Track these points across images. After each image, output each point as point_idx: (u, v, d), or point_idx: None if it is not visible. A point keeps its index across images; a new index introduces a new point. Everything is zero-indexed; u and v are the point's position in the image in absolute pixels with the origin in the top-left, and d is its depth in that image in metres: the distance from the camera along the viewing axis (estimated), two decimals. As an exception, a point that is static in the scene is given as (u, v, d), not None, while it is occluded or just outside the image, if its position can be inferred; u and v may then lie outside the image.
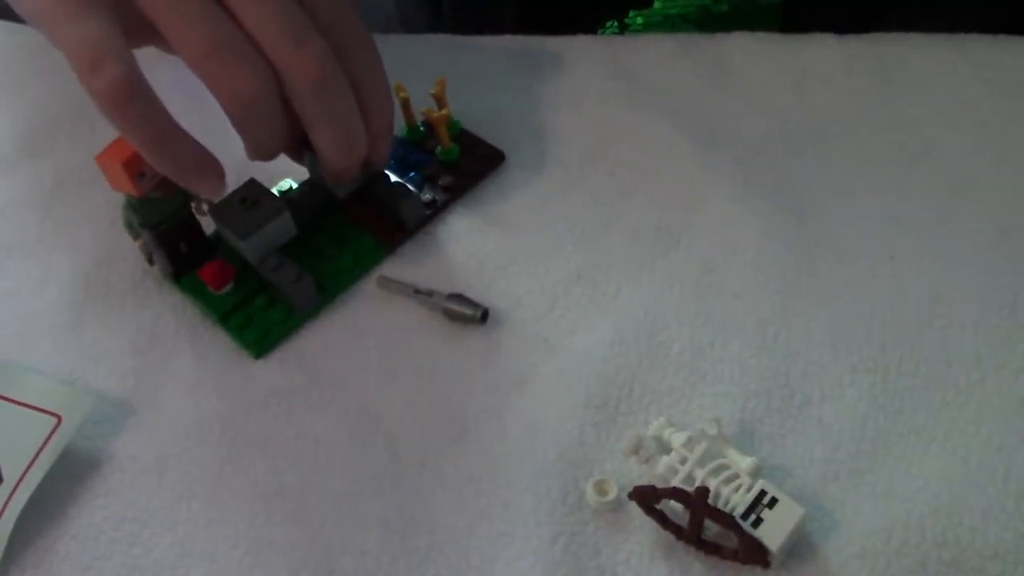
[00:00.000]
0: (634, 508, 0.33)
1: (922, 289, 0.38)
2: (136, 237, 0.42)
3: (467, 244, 0.43)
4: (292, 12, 0.38)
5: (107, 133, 0.38)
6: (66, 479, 0.37)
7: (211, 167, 0.38)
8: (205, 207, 0.42)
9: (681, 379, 0.37)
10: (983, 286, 0.38)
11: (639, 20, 0.55)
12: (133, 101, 0.35)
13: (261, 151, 0.40)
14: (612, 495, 0.34)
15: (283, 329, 0.41)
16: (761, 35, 0.48)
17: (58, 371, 0.40)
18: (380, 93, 0.41)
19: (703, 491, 0.32)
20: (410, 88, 0.45)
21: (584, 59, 0.48)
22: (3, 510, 0.36)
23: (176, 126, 0.37)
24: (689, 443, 0.34)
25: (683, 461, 0.33)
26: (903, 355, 0.37)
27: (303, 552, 0.35)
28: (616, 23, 0.55)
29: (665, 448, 0.34)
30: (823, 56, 0.46)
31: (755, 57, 0.47)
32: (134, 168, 0.39)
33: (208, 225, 0.42)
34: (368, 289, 0.42)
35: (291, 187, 0.44)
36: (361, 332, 0.41)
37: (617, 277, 0.41)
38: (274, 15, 0.37)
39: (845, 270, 0.39)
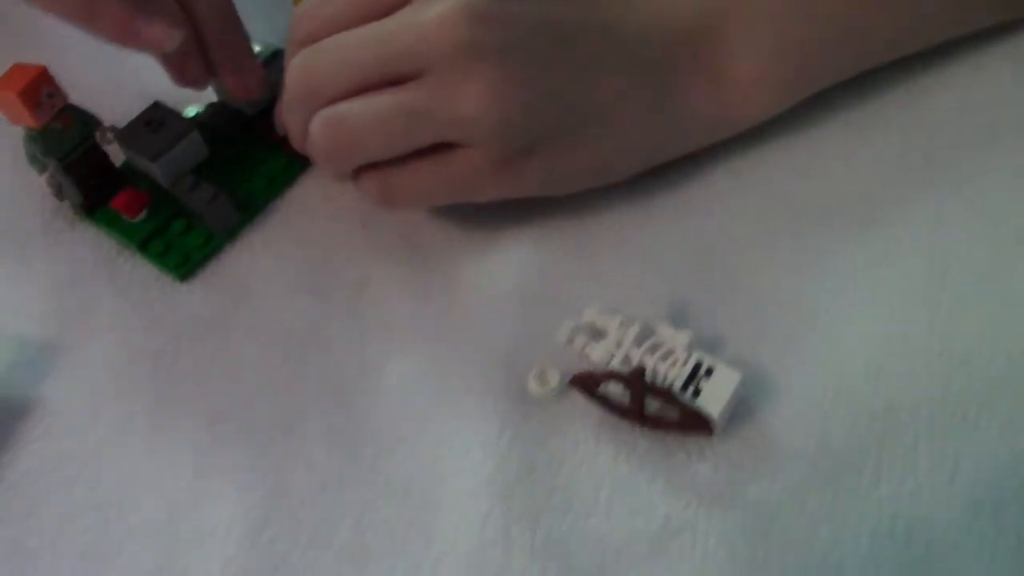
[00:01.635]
0: (577, 395, 0.34)
1: (838, 160, 0.39)
2: (42, 171, 0.40)
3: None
4: None
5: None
6: (-2, 426, 0.37)
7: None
8: (110, 135, 0.40)
9: (609, 264, 0.37)
10: (895, 146, 0.39)
11: None
12: None
13: (188, 80, 0.40)
14: (554, 384, 0.34)
15: (204, 251, 0.40)
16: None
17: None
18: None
19: (639, 370, 0.32)
20: None
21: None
22: (-67, 464, 0.35)
23: None
24: (623, 326, 0.34)
25: (619, 344, 0.34)
26: (821, 221, 0.37)
27: (252, 473, 0.35)
28: None
29: (600, 333, 0.35)
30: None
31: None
32: (31, 98, 0.37)
33: (116, 157, 0.41)
34: (286, 208, 0.41)
35: (198, 112, 0.43)
36: (284, 251, 0.40)
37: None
38: None
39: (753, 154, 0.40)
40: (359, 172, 0.37)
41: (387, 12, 0.36)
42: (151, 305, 0.39)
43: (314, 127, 0.36)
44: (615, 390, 0.33)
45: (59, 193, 0.41)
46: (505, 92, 0.34)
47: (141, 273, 0.40)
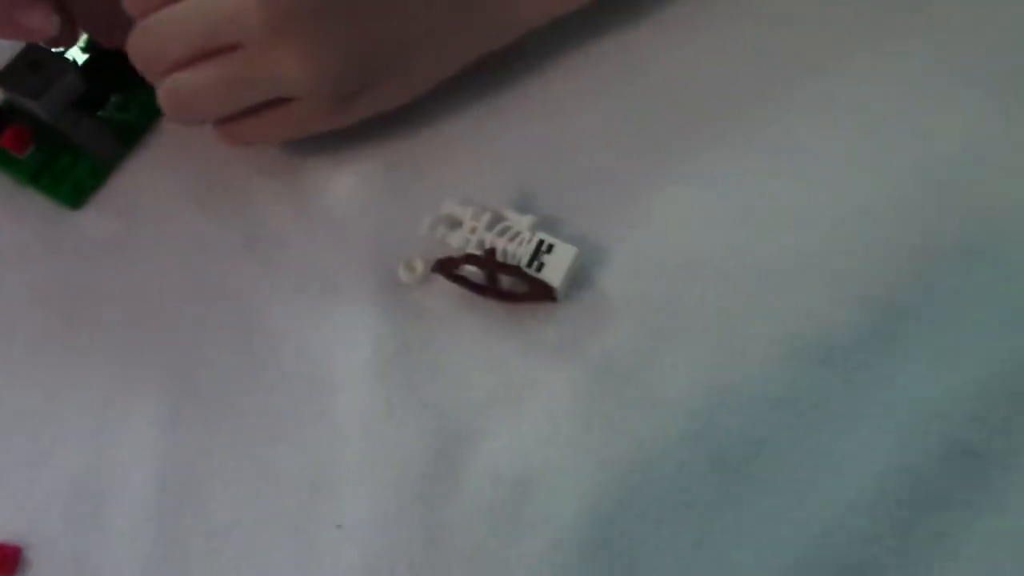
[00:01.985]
0: (441, 279, 0.39)
1: (671, 57, 0.44)
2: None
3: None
4: None
5: None
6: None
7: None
8: (-12, 76, 0.43)
9: (461, 161, 0.42)
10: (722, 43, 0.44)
11: None
12: None
13: (60, 43, 0.42)
14: (419, 271, 0.39)
15: (93, 180, 0.43)
16: None
17: None
18: None
19: (491, 251, 0.37)
20: None
21: None
22: None
23: None
24: (475, 215, 0.39)
25: (473, 230, 0.39)
26: (650, 103, 0.42)
27: (162, 379, 0.39)
28: None
29: (457, 223, 0.39)
30: None
31: None
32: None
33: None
34: (165, 133, 0.45)
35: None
36: (168, 172, 0.44)
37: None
38: None
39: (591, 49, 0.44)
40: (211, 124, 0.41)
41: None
42: (48, 232, 0.43)
43: (159, 95, 0.39)
44: (472, 270, 0.38)
45: (-58, 137, 0.43)
46: (316, 51, 0.37)
47: (37, 204, 0.43)
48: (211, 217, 0.42)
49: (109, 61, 0.44)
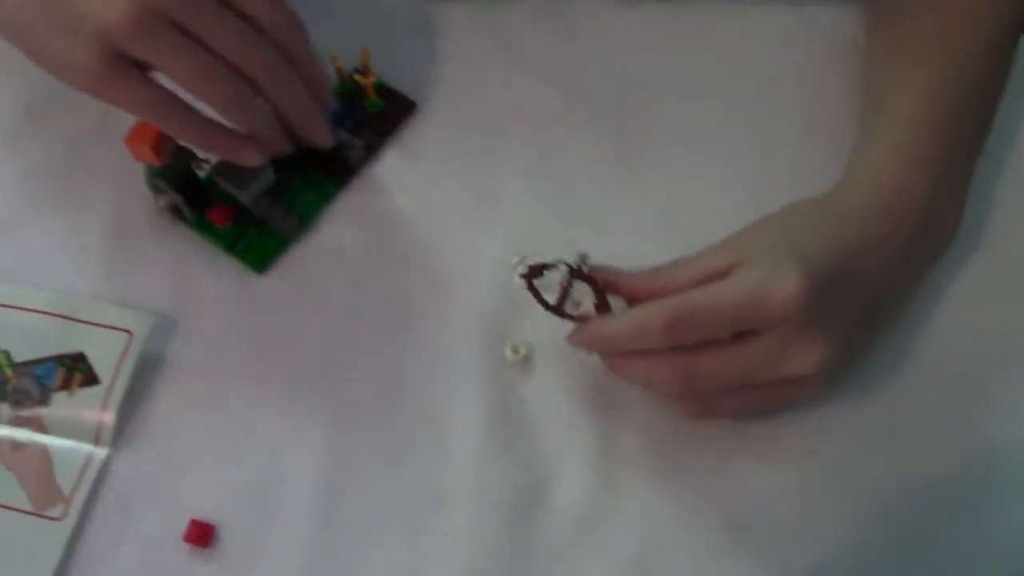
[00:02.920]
0: (539, 359, 0.53)
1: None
2: (158, 193, 0.56)
3: (396, 174, 0.59)
4: (244, 31, 0.51)
5: (96, 103, 0.51)
6: (144, 376, 0.53)
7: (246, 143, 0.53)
8: (205, 165, 0.56)
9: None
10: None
11: None
12: (193, 124, 0.51)
13: (254, 132, 0.54)
14: (522, 352, 0.53)
15: (276, 251, 0.56)
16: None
17: (111, 299, 0.55)
18: (317, 73, 0.55)
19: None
20: (331, 41, 0.59)
21: (463, 19, 0.63)
22: (106, 403, 0.52)
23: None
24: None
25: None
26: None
27: (324, 409, 0.53)
28: None
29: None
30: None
31: (599, 20, 0.63)
32: (159, 147, 0.52)
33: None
34: (332, 215, 0.58)
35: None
36: (333, 248, 0.57)
37: (503, 192, 0.58)
38: (232, 37, 0.50)
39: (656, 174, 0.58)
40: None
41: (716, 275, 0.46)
42: (239, 288, 0.56)
43: (669, 373, 0.46)
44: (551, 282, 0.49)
45: (171, 209, 0.56)
46: (830, 350, 0.45)
47: (230, 266, 0.57)
48: (366, 290, 0.56)
49: (297, 159, 0.58)
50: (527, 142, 0.59)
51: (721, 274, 0.46)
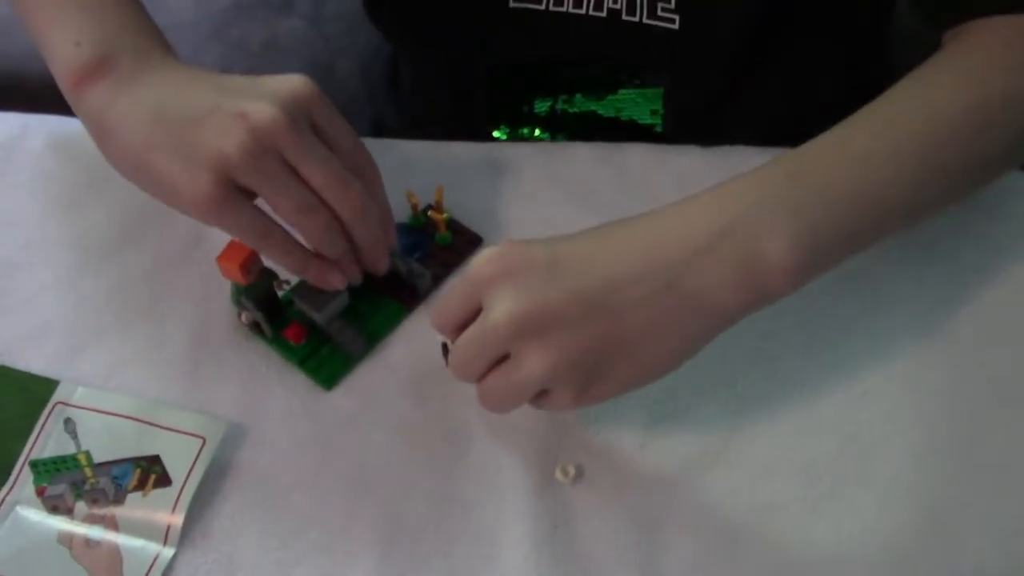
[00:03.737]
0: (588, 480, 0.55)
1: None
2: (240, 309, 0.60)
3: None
4: (340, 170, 0.56)
5: (186, 223, 0.57)
6: (213, 479, 0.56)
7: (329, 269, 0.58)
8: (285, 285, 0.61)
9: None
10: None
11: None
12: (290, 250, 0.57)
13: (334, 267, 0.59)
14: (571, 474, 0.55)
15: (344, 370, 0.60)
16: (652, 146, 0.69)
17: (189, 406, 0.59)
18: (387, 213, 0.60)
19: None
20: (409, 182, 0.65)
21: (530, 163, 0.69)
22: (176, 504, 0.55)
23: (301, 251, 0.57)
24: None
25: None
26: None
27: (381, 519, 0.55)
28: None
29: None
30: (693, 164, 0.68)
31: (648, 164, 0.68)
32: (247, 267, 0.57)
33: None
34: (396, 338, 0.62)
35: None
36: (395, 369, 0.61)
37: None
38: (330, 175, 0.56)
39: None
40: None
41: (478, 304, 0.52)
42: (308, 402, 0.59)
43: (479, 395, 0.55)
44: None
45: (251, 324, 0.61)
46: (552, 355, 0.50)
47: (300, 379, 0.60)
48: (424, 409, 0.59)
49: (368, 285, 0.62)
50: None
51: None
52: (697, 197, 0.53)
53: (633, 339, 0.51)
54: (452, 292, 0.54)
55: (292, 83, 0.56)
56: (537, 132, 0.78)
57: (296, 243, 0.57)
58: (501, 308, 0.50)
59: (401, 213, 0.64)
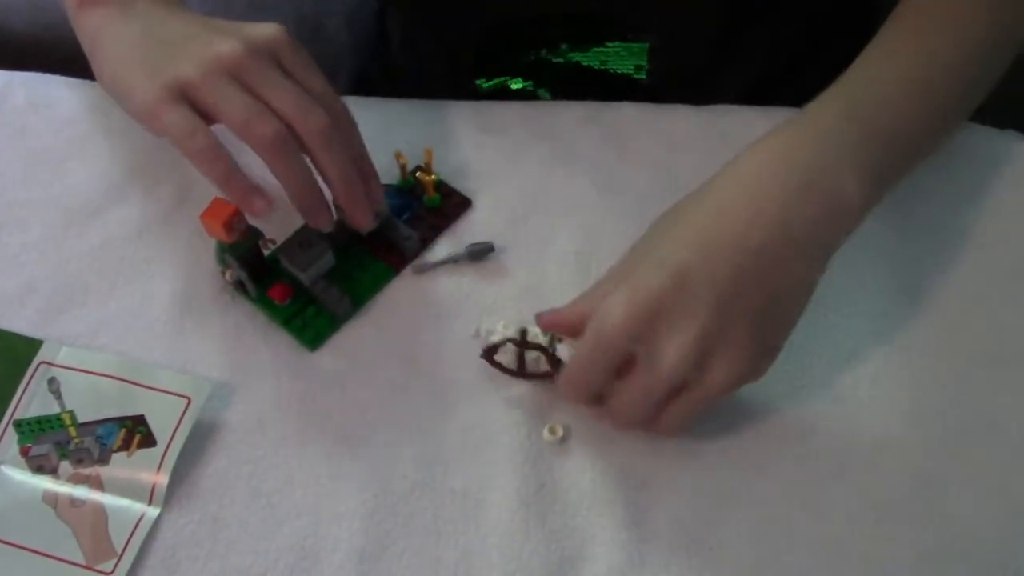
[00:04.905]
0: (575, 441, 0.55)
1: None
2: (225, 267, 0.59)
3: (445, 266, 0.62)
4: (301, 94, 0.56)
5: (172, 183, 0.59)
6: (198, 439, 0.56)
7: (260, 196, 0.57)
8: (270, 244, 0.60)
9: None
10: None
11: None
12: (215, 157, 0.55)
13: (295, 190, 0.56)
14: (560, 434, 0.55)
15: (329, 330, 0.60)
16: (642, 105, 0.68)
17: (173, 365, 0.59)
18: (363, 152, 0.59)
19: (523, 331, 0.55)
20: (397, 143, 0.64)
21: (519, 122, 0.68)
22: (161, 463, 0.55)
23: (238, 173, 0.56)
24: (506, 326, 0.56)
25: (504, 334, 0.56)
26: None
27: (367, 479, 0.55)
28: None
29: (490, 332, 0.56)
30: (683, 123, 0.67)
31: (639, 123, 0.67)
32: (230, 225, 0.56)
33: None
34: (383, 299, 0.61)
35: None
36: (382, 330, 0.60)
37: (548, 285, 0.61)
38: (289, 97, 0.55)
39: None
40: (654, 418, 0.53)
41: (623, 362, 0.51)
42: (293, 362, 0.59)
43: (608, 419, 0.54)
44: (507, 360, 0.56)
45: (236, 283, 0.60)
46: (740, 358, 0.50)
47: (286, 340, 0.60)
48: (411, 370, 0.59)
49: (356, 246, 0.62)
50: (571, 238, 0.63)
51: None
52: (762, 149, 0.53)
53: (776, 298, 0.51)
54: (588, 358, 0.52)
55: (266, 27, 0.58)
56: (520, 82, 0.77)
57: (223, 152, 0.55)
58: (670, 351, 0.49)
59: (389, 175, 0.64)
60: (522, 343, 0.55)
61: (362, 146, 0.60)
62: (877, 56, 0.58)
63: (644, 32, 0.72)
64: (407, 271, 0.62)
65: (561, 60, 0.75)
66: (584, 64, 0.74)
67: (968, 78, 0.59)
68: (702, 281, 0.49)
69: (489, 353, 0.56)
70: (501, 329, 0.56)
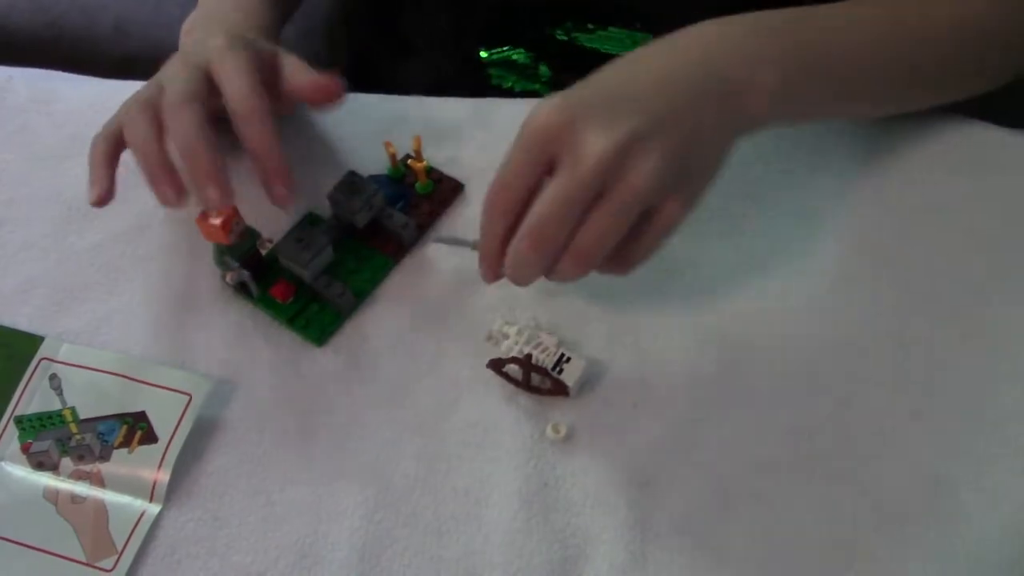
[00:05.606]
0: (578, 439, 0.54)
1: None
2: (225, 270, 0.59)
3: (444, 254, 0.62)
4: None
5: None
6: (199, 436, 0.56)
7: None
8: (267, 243, 0.60)
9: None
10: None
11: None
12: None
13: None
14: (563, 432, 0.55)
15: (334, 325, 0.60)
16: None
17: (174, 362, 0.58)
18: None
19: (528, 356, 0.55)
20: (392, 135, 0.64)
21: (513, 118, 0.67)
22: (162, 461, 0.55)
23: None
24: (519, 332, 0.56)
25: (516, 343, 0.56)
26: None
27: (368, 477, 0.55)
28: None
29: (505, 336, 0.57)
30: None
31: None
32: (228, 227, 0.56)
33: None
34: (383, 292, 0.61)
35: (316, 216, 0.63)
36: (383, 325, 0.60)
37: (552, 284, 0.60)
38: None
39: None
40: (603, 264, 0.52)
41: (549, 163, 0.50)
42: (297, 359, 0.59)
43: (566, 264, 0.51)
44: (513, 370, 0.56)
45: (237, 285, 0.60)
46: (664, 166, 0.49)
47: (286, 336, 0.60)
48: (413, 362, 0.58)
49: (352, 239, 0.62)
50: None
51: None
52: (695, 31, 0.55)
53: (696, 140, 0.52)
54: (511, 163, 0.51)
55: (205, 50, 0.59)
56: (523, 54, 0.77)
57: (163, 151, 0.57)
58: (593, 149, 0.49)
59: (379, 166, 0.64)
60: (527, 365, 0.55)
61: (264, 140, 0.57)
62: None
63: (649, 22, 0.71)
64: (406, 261, 0.62)
65: (564, 38, 0.75)
66: (588, 46, 0.74)
67: (935, 46, 0.60)
68: (626, 100, 0.51)
69: (496, 365, 0.56)
70: (514, 335, 0.56)
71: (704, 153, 0.53)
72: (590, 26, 0.74)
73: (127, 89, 0.62)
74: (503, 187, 0.52)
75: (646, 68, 0.53)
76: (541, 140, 0.50)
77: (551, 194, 0.50)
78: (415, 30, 0.82)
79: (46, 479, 0.55)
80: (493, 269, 0.54)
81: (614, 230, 0.50)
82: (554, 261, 0.51)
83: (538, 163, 0.51)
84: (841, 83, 0.58)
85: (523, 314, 0.58)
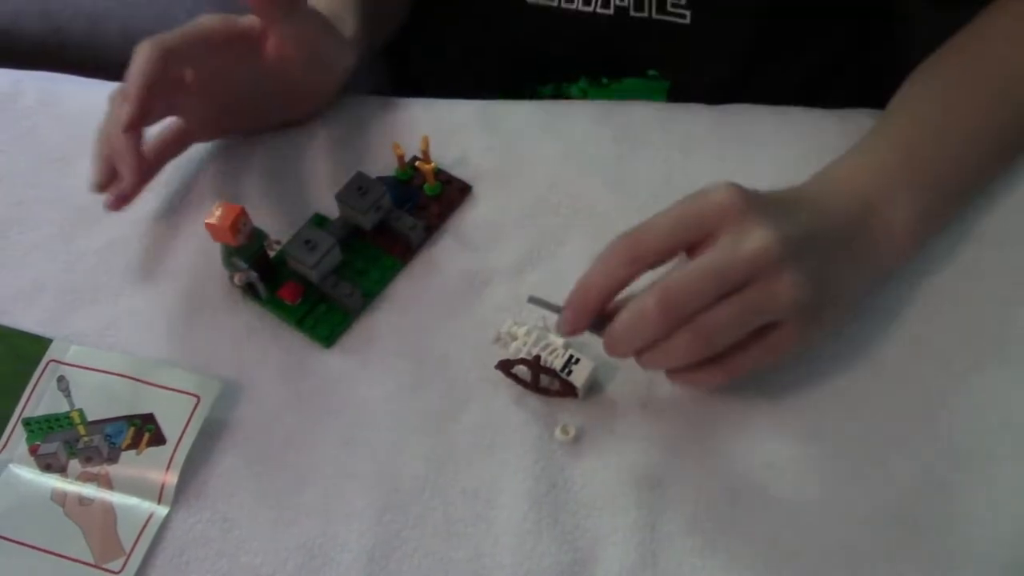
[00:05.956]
0: (587, 441, 0.54)
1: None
2: (233, 271, 0.59)
3: (452, 255, 0.62)
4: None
5: (180, 182, 0.61)
6: (207, 438, 0.56)
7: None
8: (275, 244, 0.60)
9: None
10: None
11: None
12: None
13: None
14: (572, 434, 0.54)
15: (342, 326, 0.60)
16: (654, 104, 0.68)
17: (182, 364, 0.58)
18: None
19: (536, 358, 0.55)
20: (400, 137, 0.65)
21: (524, 120, 0.68)
22: (170, 462, 0.55)
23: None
24: (528, 333, 0.56)
25: (524, 344, 0.56)
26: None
27: (376, 478, 0.55)
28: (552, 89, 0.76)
29: (514, 337, 0.56)
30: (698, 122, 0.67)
31: (650, 122, 0.67)
32: (235, 227, 0.57)
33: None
34: (391, 294, 0.61)
35: (323, 218, 0.63)
36: (391, 326, 0.60)
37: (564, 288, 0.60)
38: None
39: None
40: (700, 365, 0.51)
41: (699, 239, 0.50)
42: (305, 360, 0.59)
43: (681, 339, 0.49)
44: (522, 371, 0.55)
45: (245, 286, 0.60)
46: (804, 278, 0.50)
47: (295, 337, 0.60)
48: (418, 363, 0.58)
49: (360, 240, 0.62)
50: (584, 238, 0.62)
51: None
52: (837, 171, 0.58)
53: (835, 282, 0.53)
54: (666, 218, 0.51)
55: None
56: None
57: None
58: (757, 238, 0.49)
59: (388, 167, 0.64)
60: (536, 367, 0.55)
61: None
62: (933, 90, 0.61)
63: (665, 69, 0.73)
64: (414, 262, 0.62)
65: (579, 94, 0.76)
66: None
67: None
68: (795, 213, 0.52)
69: (505, 367, 0.56)
70: (523, 336, 0.56)
71: (840, 293, 0.54)
72: (604, 80, 0.75)
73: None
74: (643, 234, 0.51)
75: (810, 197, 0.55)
76: (709, 213, 0.50)
77: (701, 264, 0.49)
78: (429, 85, 0.83)
79: (54, 481, 0.55)
80: (582, 319, 0.52)
81: (739, 323, 0.50)
82: (666, 333, 0.50)
83: (690, 230, 0.50)
84: (966, 195, 0.61)
85: (531, 315, 0.58)
